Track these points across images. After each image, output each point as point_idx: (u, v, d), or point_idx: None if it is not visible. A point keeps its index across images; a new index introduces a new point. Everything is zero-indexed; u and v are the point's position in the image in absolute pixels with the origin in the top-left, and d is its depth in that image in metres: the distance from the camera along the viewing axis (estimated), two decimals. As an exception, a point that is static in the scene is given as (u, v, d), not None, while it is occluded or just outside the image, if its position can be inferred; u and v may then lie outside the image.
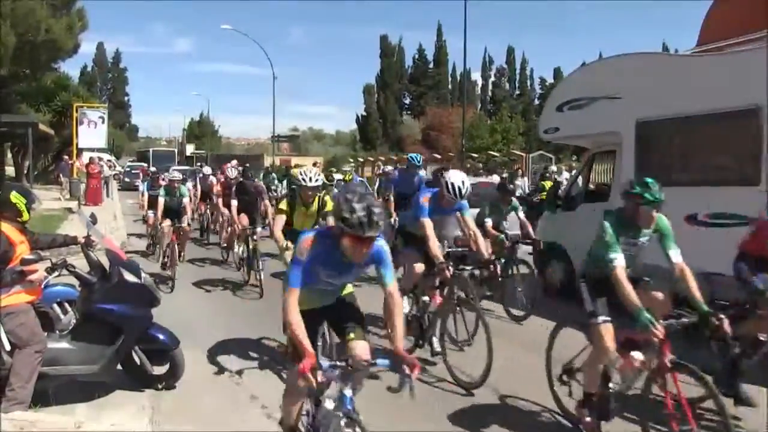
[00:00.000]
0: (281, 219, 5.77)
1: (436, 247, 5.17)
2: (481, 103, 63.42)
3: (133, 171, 32.58)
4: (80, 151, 26.19)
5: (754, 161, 5.86)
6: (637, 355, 3.76)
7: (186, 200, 9.88)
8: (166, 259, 9.35)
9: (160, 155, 40.11)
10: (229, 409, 4.53)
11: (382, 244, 3.09)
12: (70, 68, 72.10)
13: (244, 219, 9.07)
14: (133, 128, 76.70)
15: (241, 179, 9.83)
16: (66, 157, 26.30)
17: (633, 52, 7.95)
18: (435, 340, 5.38)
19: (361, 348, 3.23)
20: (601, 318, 3.81)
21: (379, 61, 62.10)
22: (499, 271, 7.09)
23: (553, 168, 18.07)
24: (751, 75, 5.90)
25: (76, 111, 25.77)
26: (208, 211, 13.70)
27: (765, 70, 5.67)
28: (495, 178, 16.71)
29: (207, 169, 14.97)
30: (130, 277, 4.63)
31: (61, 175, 24.91)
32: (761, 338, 4.36)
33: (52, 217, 14.40)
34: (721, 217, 6.08)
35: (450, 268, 5.06)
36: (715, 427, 3.72)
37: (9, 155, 29.11)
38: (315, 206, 5.75)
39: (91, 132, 26.13)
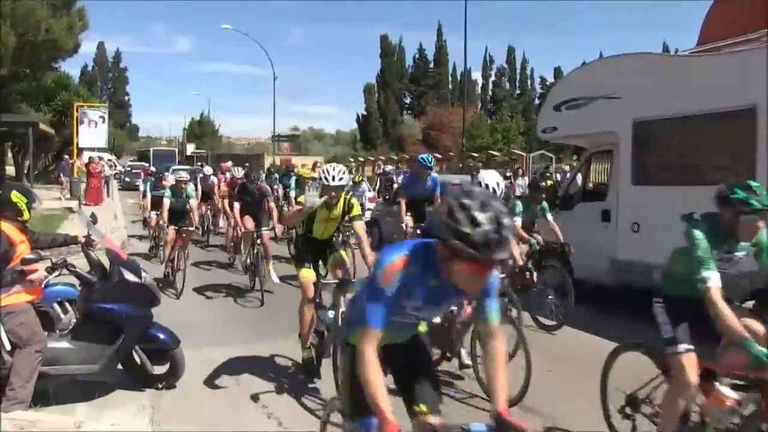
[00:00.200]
0: (299, 214, 5.05)
1: None
2: (482, 103, 63.44)
3: (133, 171, 32.46)
4: (80, 150, 26.22)
5: (749, 161, 5.89)
6: (729, 392, 3.19)
7: (193, 202, 9.50)
8: (168, 269, 8.87)
9: (160, 155, 40.17)
10: (229, 408, 4.53)
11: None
12: (71, 68, 72.25)
13: (249, 222, 8.74)
14: (133, 128, 76.77)
15: (244, 181, 9.43)
16: (66, 156, 26.33)
17: (631, 52, 7.97)
18: (463, 352, 4.98)
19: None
20: (683, 347, 3.28)
21: (380, 60, 62.21)
22: (535, 279, 6.32)
23: (553, 168, 18.08)
24: (746, 75, 5.95)
25: (77, 110, 25.81)
26: (209, 212, 13.53)
27: (760, 70, 5.70)
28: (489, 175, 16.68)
29: (208, 169, 14.64)
30: (130, 277, 4.63)
31: (61, 175, 24.93)
32: None
33: (52, 217, 14.40)
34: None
35: None
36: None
37: (9, 155, 29.12)
38: (339, 209, 4.97)
39: (92, 131, 26.18)
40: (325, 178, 4.72)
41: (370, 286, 2.24)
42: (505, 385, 2.24)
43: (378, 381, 2.12)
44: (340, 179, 4.74)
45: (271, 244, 8.93)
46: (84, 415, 4.13)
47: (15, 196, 4.30)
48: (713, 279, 3.13)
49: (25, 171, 26.07)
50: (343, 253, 5.31)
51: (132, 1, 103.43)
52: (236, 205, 8.70)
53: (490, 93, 65.12)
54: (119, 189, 28.59)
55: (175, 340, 4.80)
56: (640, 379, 3.71)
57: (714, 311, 3.08)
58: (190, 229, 9.05)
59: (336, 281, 4.81)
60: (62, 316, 4.76)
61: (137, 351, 4.70)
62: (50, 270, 4.32)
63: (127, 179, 32.11)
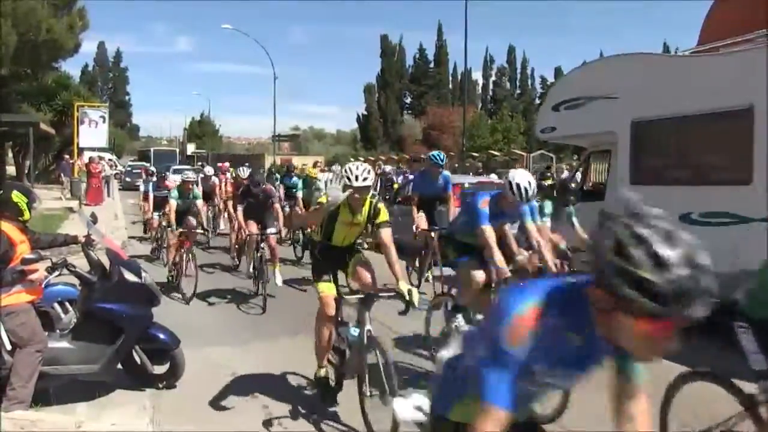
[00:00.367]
0: (318, 213, 4.58)
1: (500, 257, 4.57)
2: (482, 103, 63.44)
3: (134, 171, 32.19)
4: (81, 150, 26.22)
5: (746, 160, 5.91)
6: None
7: (200, 202, 9.20)
8: (173, 273, 8.54)
9: (161, 155, 40.07)
10: (230, 408, 4.53)
11: None
12: (71, 68, 72.46)
13: (252, 226, 8.25)
14: (134, 128, 76.78)
15: (248, 184, 8.78)
16: (67, 156, 26.34)
17: (631, 52, 8.00)
18: None
19: None
20: None
21: (380, 60, 62.21)
22: None
23: (554, 168, 18.08)
24: (744, 75, 5.98)
25: (77, 110, 25.80)
26: (209, 212, 13.22)
27: (758, 70, 5.73)
28: (493, 177, 16.74)
29: (209, 170, 14.17)
30: (130, 277, 4.63)
31: (62, 175, 24.94)
32: None
33: (52, 217, 14.39)
34: (714, 216, 6.13)
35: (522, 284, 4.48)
36: None
37: (10, 155, 29.13)
38: (364, 214, 4.38)
39: (92, 131, 26.17)
40: (348, 177, 4.18)
41: (490, 346, 1.60)
42: None
43: None
44: (365, 179, 4.20)
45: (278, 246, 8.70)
46: (84, 414, 4.13)
47: (15, 195, 4.30)
48: None
49: (26, 171, 26.08)
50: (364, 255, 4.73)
51: (132, 1, 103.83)
52: (239, 207, 8.33)
53: (490, 93, 65.12)
54: (120, 189, 28.55)
55: (176, 340, 4.80)
56: (711, 415, 3.26)
57: None
58: (198, 231, 8.77)
59: (361, 296, 4.21)
60: (62, 316, 4.76)
61: (137, 351, 4.71)
62: (50, 270, 4.32)
63: (127, 179, 31.94)
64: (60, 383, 4.38)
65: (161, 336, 4.76)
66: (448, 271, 7.60)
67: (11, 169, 28.46)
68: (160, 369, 4.78)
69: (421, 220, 7.91)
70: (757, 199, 5.72)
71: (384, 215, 4.36)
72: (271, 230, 8.15)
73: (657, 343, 1.45)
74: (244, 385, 4.99)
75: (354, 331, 4.28)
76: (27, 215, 4.36)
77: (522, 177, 4.57)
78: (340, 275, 4.64)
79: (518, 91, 64.69)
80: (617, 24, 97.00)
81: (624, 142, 7.42)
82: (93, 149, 26.98)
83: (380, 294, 4.14)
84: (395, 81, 61.70)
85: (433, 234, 7.91)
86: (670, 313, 1.35)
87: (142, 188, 13.55)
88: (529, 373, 1.61)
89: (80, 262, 4.78)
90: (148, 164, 24.31)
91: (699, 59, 7.26)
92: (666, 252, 1.34)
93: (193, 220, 8.91)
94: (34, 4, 21.14)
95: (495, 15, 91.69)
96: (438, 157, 8.00)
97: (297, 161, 38.66)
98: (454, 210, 7.92)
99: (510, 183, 4.55)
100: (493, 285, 4.81)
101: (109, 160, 30.95)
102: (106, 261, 4.74)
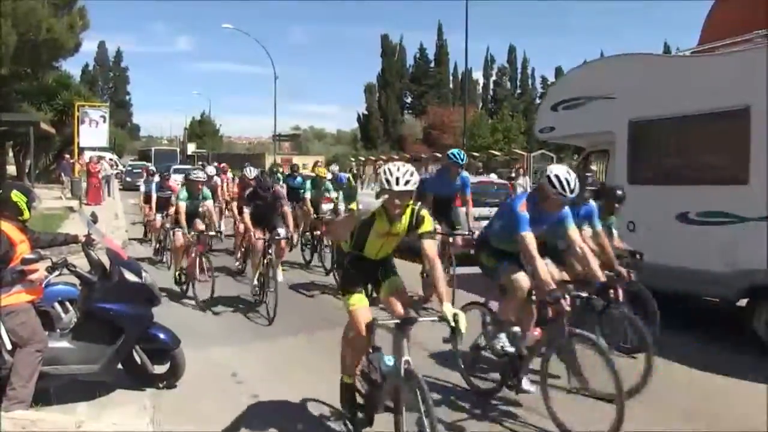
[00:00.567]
0: (347, 223, 3.98)
1: (544, 269, 4.16)
2: (483, 102, 63.44)
3: (134, 170, 32.07)
4: (82, 150, 26.24)
5: (743, 160, 5.94)
6: None
7: (210, 203, 8.67)
8: (180, 276, 8.21)
9: (162, 154, 40.02)
10: (230, 408, 4.53)
11: None
12: (72, 67, 72.49)
13: (259, 231, 7.59)
14: (134, 127, 76.82)
15: (256, 186, 7.99)
16: (67, 156, 26.34)
17: (630, 52, 8.03)
18: (526, 380, 4.38)
19: None
20: None
21: (380, 60, 62.22)
22: (621, 297, 5.00)
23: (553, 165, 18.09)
24: (741, 76, 6.01)
25: (78, 110, 25.83)
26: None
27: (755, 71, 5.76)
28: (493, 177, 16.75)
29: (210, 169, 14.05)
30: (130, 277, 4.63)
31: (62, 174, 24.95)
32: None
33: (53, 216, 14.39)
34: (711, 216, 6.16)
35: (567, 296, 4.00)
36: None
37: (10, 154, 29.14)
38: (404, 223, 3.79)
39: (93, 131, 26.23)
40: (386, 180, 3.58)
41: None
42: None
43: None
44: (407, 182, 3.56)
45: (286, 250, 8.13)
46: (84, 414, 4.13)
47: (15, 195, 4.30)
48: None
49: (26, 170, 26.09)
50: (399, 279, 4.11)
51: (133, 1, 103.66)
52: (246, 210, 7.66)
53: (491, 92, 65.13)
54: (120, 189, 28.54)
55: (176, 340, 4.80)
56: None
57: None
58: (211, 233, 8.30)
59: (397, 320, 3.56)
60: (63, 315, 4.76)
61: (138, 351, 4.71)
62: (51, 269, 4.32)
63: (128, 179, 31.85)
64: (60, 383, 4.38)
65: (161, 336, 4.76)
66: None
67: (11, 169, 28.48)
68: (160, 369, 4.78)
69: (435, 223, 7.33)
70: (753, 199, 5.76)
71: (428, 224, 3.78)
72: (280, 231, 7.58)
73: None
74: (244, 385, 4.99)
75: (388, 360, 3.64)
76: (27, 215, 4.36)
77: (560, 169, 4.26)
78: (377, 295, 4.16)
79: (519, 91, 64.70)
80: (618, 24, 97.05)
81: (622, 141, 7.46)
82: (93, 149, 27.00)
83: (421, 318, 3.61)
84: (396, 80, 61.72)
85: (452, 239, 7.48)
86: None
87: (142, 188, 13.20)
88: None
89: (80, 262, 4.77)
90: (149, 164, 24.26)
91: (696, 59, 7.30)
92: None
93: (200, 223, 8.45)
94: (34, 3, 21.12)
95: (496, 14, 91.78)
96: (458, 156, 7.30)
97: (297, 161, 38.64)
98: (472, 212, 7.68)
99: (549, 177, 4.18)
100: (534, 295, 4.43)
101: (110, 159, 30.94)
102: (106, 261, 4.74)
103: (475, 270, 5.32)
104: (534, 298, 4.46)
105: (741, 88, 5.94)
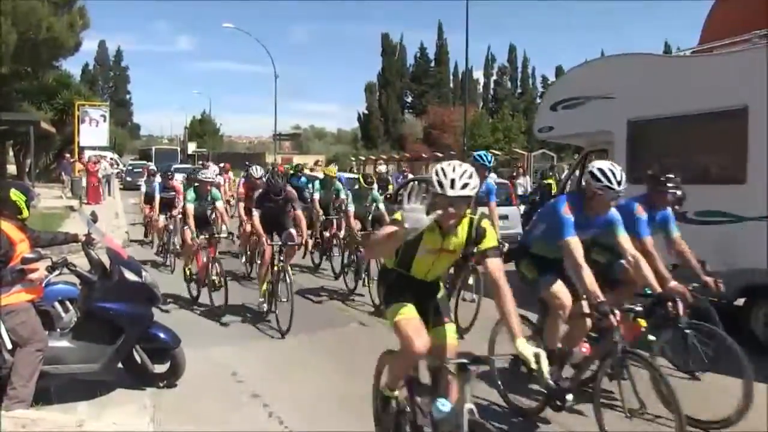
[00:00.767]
0: (392, 240, 2.94)
1: (591, 278, 3.73)
2: (483, 102, 63.42)
3: (135, 170, 31.68)
4: (82, 149, 26.26)
5: (741, 160, 5.97)
6: None
7: (220, 204, 8.15)
8: (192, 282, 7.78)
9: (163, 153, 39.93)
10: (230, 407, 4.53)
11: None
12: (72, 66, 72.46)
13: (267, 237, 6.99)
14: (134, 126, 76.80)
15: (267, 189, 7.29)
16: (68, 155, 26.36)
17: (627, 52, 8.08)
18: (570, 398, 3.98)
19: None
20: None
21: (381, 59, 62.21)
22: (681, 311, 4.24)
23: (556, 168, 18.07)
24: (738, 76, 6.05)
25: (78, 109, 25.87)
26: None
27: (753, 71, 5.79)
28: (493, 176, 16.71)
29: (214, 169, 13.10)
30: (130, 276, 4.63)
31: (62, 174, 24.96)
32: None
33: (53, 216, 14.40)
34: (709, 215, 6.18)
35: (616, 311, 3.61)
36: None
37: (11, 153, 29.15)
38: (461, 236, 3.12)
39: (93, 130, 26.31)
40: (439, 182, 2.93)
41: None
42: None
43: None
44: (464, 186, 2.91)
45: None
46: (85, 413, 4.14)
47: (14, 194, 4.30)
48: None
49: (27, 169, 26.11)
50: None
51: (133, 0, 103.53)
52: (255, 213, 7.08)
53: (491, 92, 65.11)
54: (120, 189, 28.51)
55: (176, 339, 4.80)
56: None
57: None
58: (222, 236, 7.74)
59: (462, 360, 2.82)
60: (63, 315, 4.75)
61: (138, 350, 4.71)
62: (51, 269, 4.32)
63: (128, 179, 31.71)
64: (61, 382, 4.38)
65: (162, 335, 4.76)
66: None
67: (12, 168, 28.50)
68: (160, 368, 4.78)
69: None
70: (751, 199, 5.78)
71: (492, 239, 3.09)
72: (293, 232, 7.08)
73: None
74: (244, 384, 5.00)
75: (443, 406, 2.92)
76: (26, 213, 4.36)
77: (603, 162, 3.90)
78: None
79: (519, 91, 64.67)
80: (619, 23, 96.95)
81: (620, 141, 7.50)
82: (94, 148, 27.03)
83: (492, 357, 3.14)
84: (396, 80, 61.69)
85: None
86: None
87: (143, 188, 12.68)
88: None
89: (81, 261, 4.78)
90: (149, 163, 24.25)
91: (694, 60, 7.35)
92: None
93: (212, 227, 8.08)
94: (34, 2, 21.11)
95: (496, 14, 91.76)
96: (485, 158, 6.49)
97: (297, 160, 38.63)
98: (498, 223, 6.57)
99: (591, 172, 3.83)
100: (586, 310, 3.96)
101: (111, 158, 30.95)
102: (106, 260, 4.74)
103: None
104: (586, 310, 3.98)
105: (739, 88, 5.98)
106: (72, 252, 6.71)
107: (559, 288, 4.14)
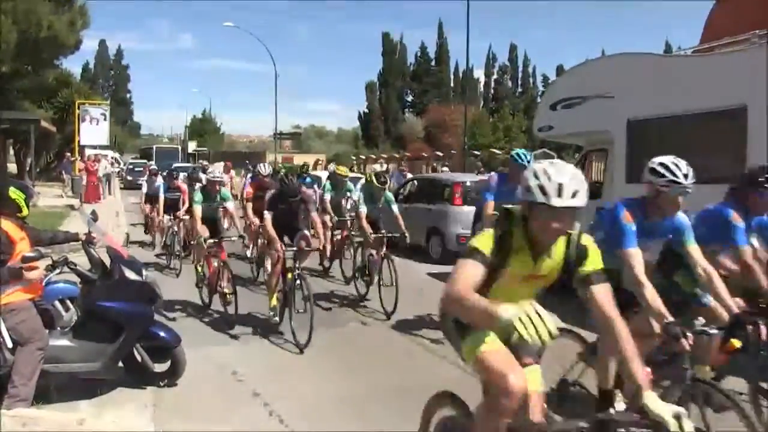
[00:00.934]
0: (476, 274, 2.33)
1: (654, 295, 3.23)
2: (484, 101, 63.39)
3: (136, 169, 31.71)
4: (83, 148, 26.26)
5: (740, 160, 5.98)
6: None
7: (230, 205, 7.76)
8: (206, 289, 7.27)
9: (163, 152, 39.81)
10: (230, 406, 4.54)
11: None
12: (72, 65, 72.41)
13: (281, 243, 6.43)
14: (135, 125, 76.79)
15: (280, 190, 6.68)
16: (68, 154, 26.38)
17: (628, 51, 8.10)
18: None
19: None
20: None
21: (381, 58, 62.19)
22: (765, 335, 3.54)
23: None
24: (737, 75, 6.05)
25: (78, 108, 25.86)
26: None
27: (751, 70, 5.80)
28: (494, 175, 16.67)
29: (218, 166, 12.56)
30: (131, 275, 4.63)
31: (63, 172, 24.98)
32: None
33: (53, 214, 14.39)
34: None
35: (688, 333, 3.07)
36: None
37: (11, 152, 29.16)
38: (557, 257, 2.49)
39: (93, 129, 26.31)
40: (541, 188, 2.27)
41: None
42: None
43: None
44: (575, 194, 2.28)
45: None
46: (85, 412, 4.13)
47: (13, 192, 4.30)
48: None
49: (27, 168, 26.13)
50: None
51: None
52: (267, 216, 6.43)
53: (492, 91, 65.07)
54: (121, 188, 28.47)
55: (176, 338, 4.80)
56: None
57: None
58: (233, 238, 7.37)
59: (581, 424, 2.31)
60: (63, 313, 4.76)
61: (138, 349, 4.70)
62: (51, 267, 4.32)
63: (128, 178, 31.60)
64: (61, 381, 4.38)
65: (162, 334, 4.76)
66: None
67: (12, 167, 28.50)
68: (161, 367, 4.78)
69: None
70: None
71: (596, 259, 2.45)
72: (305, 234, 6.66)
73: None
74: (244, 384, 5.00)
75: None
76: (25, 211, 4.36)
77: (664, 157, 3.43)
78: None
79: (520, 90, 64.63)
80: (619, 22, 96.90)
81: (620, 140, 7.51)
82: (94, 147, 27.04)
83: (614, 419, 2.38)
84: (397, 79, 61.65)
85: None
86: None
87: (144, 188, 12.30)
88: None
89: (81, 260, 4.78)
90: (150, 162, 24.22)
91: (693, 59, 7.38)
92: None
93: (222, 229, 7.70)
94: (34, 1, 21.13)
95: (497, 13, 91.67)
96: (523, 157, 5.86)
97: (298, 159, 38.62)
98: None
99: (652, 168, 3.38)
100: (656, 329, 3.34)
101: (112, 157, 30.93)
102: (107, 259, 4.74)
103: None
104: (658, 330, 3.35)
105: (738, 88, 5.99)
106: (72, 251, 6.70)
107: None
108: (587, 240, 2.48)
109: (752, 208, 3.72)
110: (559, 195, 2.25)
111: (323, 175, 13.70)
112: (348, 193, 9.50)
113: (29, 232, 4.37)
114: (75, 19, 24.25)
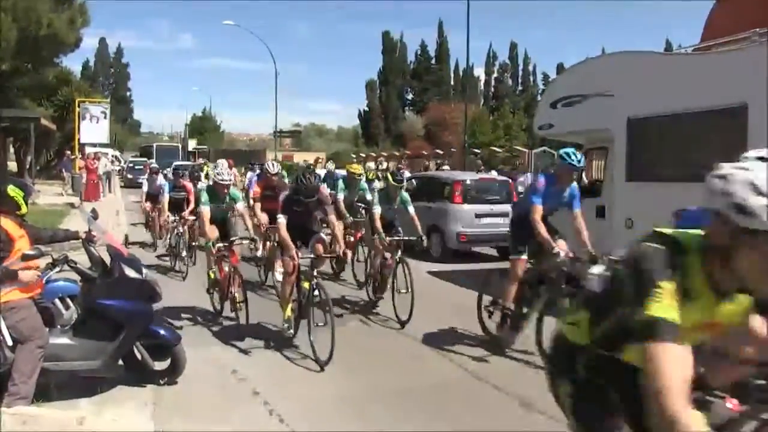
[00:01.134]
0: (685, 367, 1.63)
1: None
2: (484, 99, 63.37)
3: (136, 167, 31.58)
4: (83, 146, 26.25)
5: (740, 158, 5.98)
6: None
7: (241, 205, 7.32)
8: (217, 295, 6.90)
9: (164, 150, 39.78)
10: (230, 405, 4.54)
11: None
12: (72, 63, 72.16)
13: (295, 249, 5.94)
14: (135, 123, 76.81)
15: (294, 191, 6.12)
16: (68, 152, 26.37)
17: (628, 50, 8.11)
18: None
19: None
20: None
21: (381, 57, 62.13)
22: None
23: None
24: (738, 74, 6.05)
25: (78, 106, 25.84)
26: None
27: (752, 69, 5.80)
28: (494, 174, 16.74)
29: (222, 162, 12.51)
30: (131, 273, 4.63)
31: (63, 171, 24.98)
32: None
33: (53, 213, 14.39)
34: None
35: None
36: None
37: (11, 150, 29.14)
38: (743, 299, 1.83)
39: (93, 127, 26.29)
40: (743, 209, 1.68)
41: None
42: None
43: None
44: None
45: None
46: (86, 410, 4.14)
47: (11, 190, 4.30)
48: None
49: (27, 166, 26.12)
50: None
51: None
52: (281, 219, 5.89)
53: (492, 89, 65.04)
54: (121, 186, 28.44)
55: (176, 336, 4.80)
56: None
57: None
58: (244, 241, 6.91)
59: None
60: (63, 311, 4.77)
61: (138, 347, 4.71)
62: (51, 266, 4.32)
63: (129, 176, 31.51)
64: (61, 379, 4.38)
65: (162, 332, 4.76)
66: None
67: (12, 165, 28.49)
68: (161, 365, 4.79)
69: (562, 243, 5.42)
70: None
71: None
72: (321, 236, 6.31)
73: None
74: (245, 383, 5.00)
75: None
76: (24, 209, 4.36)
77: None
78: None
79: (520, 88, 64.60)
80: (620, 21, 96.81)
81: (620, 139, 7.52)
82: (94, 145, 27.03)
83: None
84: (397, 77, 61.64)
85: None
86: None
87: (144, 187, 11.98)
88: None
89: (81, 258, 4.78)
90: (150, 160, 24.18)
91: (694, 58, 7.37)
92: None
93: (232, 231, 7.21)
94: (34, -1, 21.15)
95: (497, 11, 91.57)
96: (573, 156, 5.27)
97: (298, 157, 38.57)
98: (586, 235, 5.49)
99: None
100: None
101: (112, 155, 30.91)
102: (107, 257, 4.74)
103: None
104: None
105: (739, 86, 5.99)
106: (73, 249, 6.70)
107: None
108: None
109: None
110: (755, 214, 1.61)
111: (321, 173, 13.75)
112: (362, 193, 9.02)
113: (28, 230, 4.37)
114: (75, 17, 24.25)
